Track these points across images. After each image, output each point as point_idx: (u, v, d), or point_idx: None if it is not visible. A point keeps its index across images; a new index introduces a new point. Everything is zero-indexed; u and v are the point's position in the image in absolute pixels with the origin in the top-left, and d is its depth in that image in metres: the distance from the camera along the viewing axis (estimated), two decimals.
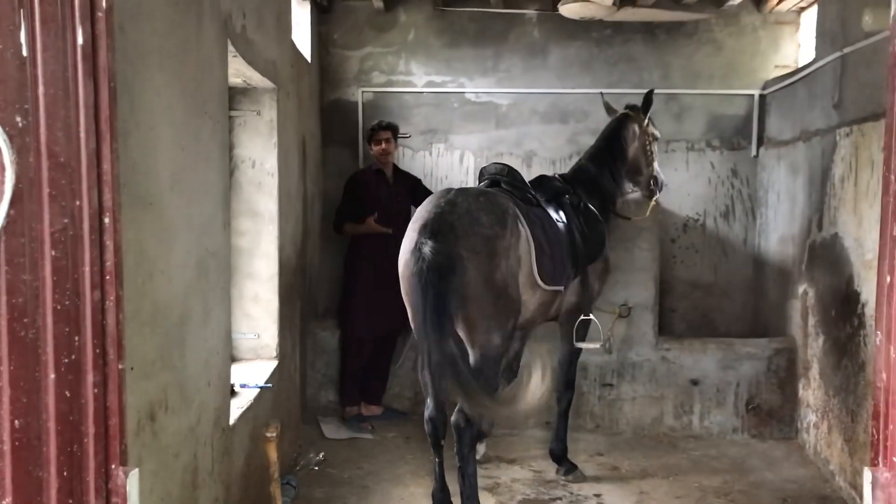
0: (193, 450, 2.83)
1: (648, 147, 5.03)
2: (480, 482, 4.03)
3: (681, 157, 6.35)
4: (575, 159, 6.19)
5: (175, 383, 2.61)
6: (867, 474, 1.36)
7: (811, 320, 5.08)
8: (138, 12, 2.27)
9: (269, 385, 4.11)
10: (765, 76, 6.23)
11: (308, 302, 5.62)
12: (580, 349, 4.74)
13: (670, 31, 6.27)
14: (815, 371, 5.03)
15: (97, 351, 1.37)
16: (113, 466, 1.40)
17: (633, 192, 5.22)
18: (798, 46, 6.23)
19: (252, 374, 4.20)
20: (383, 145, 5.60)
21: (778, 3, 6.07)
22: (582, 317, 4.61)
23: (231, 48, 3.42)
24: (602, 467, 4.96)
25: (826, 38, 4.96)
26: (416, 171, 6.31)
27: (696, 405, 5.57)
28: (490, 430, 4.96)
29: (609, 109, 5.25)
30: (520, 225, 3.95)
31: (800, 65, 5.95)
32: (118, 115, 1.51)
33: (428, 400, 4.07)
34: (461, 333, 3.85)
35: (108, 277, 1.40)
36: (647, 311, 5.58)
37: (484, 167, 4.68)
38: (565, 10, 5.19)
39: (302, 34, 5.60)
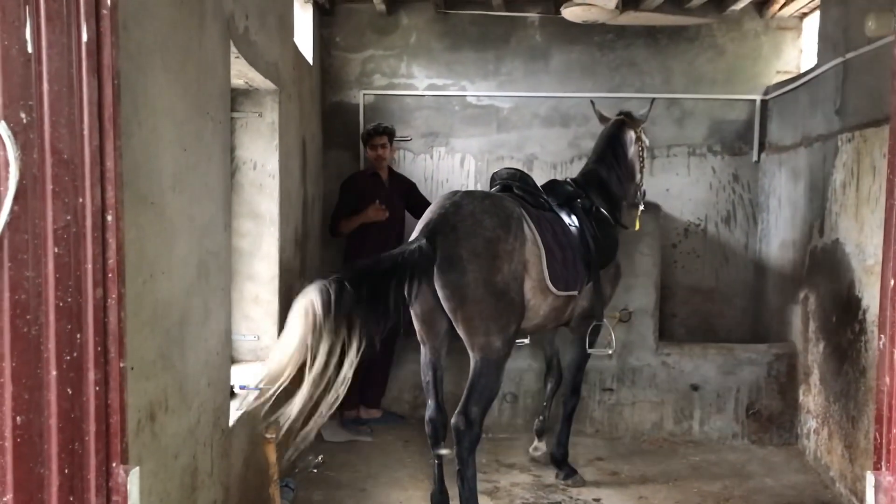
0: (193, 451, 2.82)
1: (641, 154, 5.03)
2: (479, 486, 4.02)
3: (682, 161, 6.35)
4: (576, 163, 6.22)
5: (175, 384, 2.61)
6: (870, 478, 1.36)
7: (812, 326, 5.08)
8: (142, 12, 2.27)
9: (269, 387, 4.09)
10: (766, 81, 6.24)
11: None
12: (589, 355, 4.74)
13: (672, 35, 6.27)
14: (815, 377, 5.03)
15: (98, 349, 1.37)
16: (114, 465, 1.40)
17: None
18: (800, 52, 6.23)
19: (252, 376, 4.19)
20: (379, 151, 5.61)
21: (780, 9, 6.08)
22: (595, 323, 4.59)
23: (233, 49, 3.43)
24: (601, 472, 4.96)
25: (828, 43, 4.97)
26: (416, 174, 6.32)
27: (696, 410, 5.56)
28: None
29: (601, 118, 5.25)
30: (526, 229, 3.95)
31: (802, 70, 5.96)
32: (121, 113, 1.51)
33: (429, 401, 4.08)
34: (461, 334, 3.86)
35: (110, 275, 1.39)
36: (648, 316, 5.57)
37: (496, 172, 4.69)
38: (568, 13, 5.20)
39: (304, 36, 5.60)
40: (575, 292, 4.24)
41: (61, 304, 1.27)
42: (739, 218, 6.39)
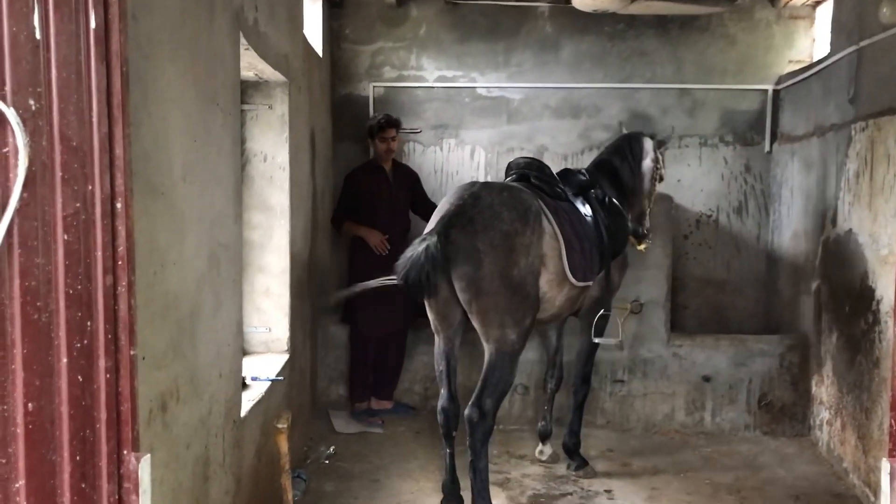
0: (205, 441, 2.83)
1: (654, 174, 4.98)
2: (490, 477, 4.02)
3: (693, 152, 6.32)
4: (587, 154, 6.20)
5: (186, 374, 2.61)
6: (885, 465, 1.35)
7: (825, 317, 5.04)
8: (151, 2, 2.27)
9: (280, 378, 4.11)
10: (779, 71, 6.19)
11: (319, 296, 5.62)
12: (597, 344, 4.73)
13: (683, 25, 6.23)
14: (828, 368, 5.00)
15: (109, 336, 1.37)
16: (125, 452, 1.40)
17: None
18: (812, 41, 6.18)
19: (263, 368, 4.20)
20: (390, 143, 5.58)
21: None
22: (603, 311, 4.59)
23: (243, 41, 3.42)
24: (613, 463, 4.95)
25: (841, 31, 4.92)
26: (426, 166, 6.31)
27: (708, 402, 5.54)
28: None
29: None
30: (544, 223, 3.94)
31: (814, 59, 5.90)
32: (130, 104, 1.51)
33: (442, 390, 4.08)
34: (476, 326, 3.86)
35: (119, 263, 1.39)
36: (659, 308, 5.55)
37: (512, 161, 4.67)
38: (578, 2, 5.17)
39: (314, 28, 5.60)
40: (591, 282, 4.25)
41: (71, 292, 1.27)
42: (751, 209, 6.35)
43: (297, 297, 4.75)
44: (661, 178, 5.09)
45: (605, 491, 4.52)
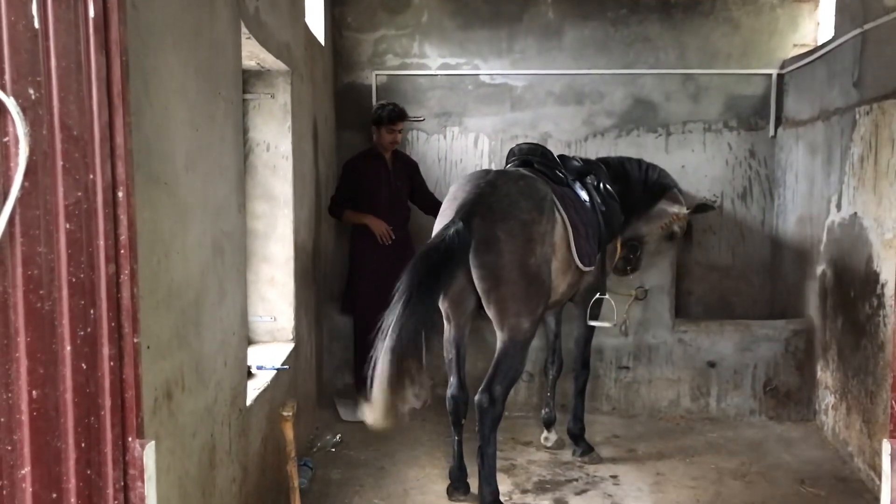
0: (210, 429, 2.85)
1: (667, 224, 4.99)
2: (497, 464, 4.04)
3: (698, 138, 6.29)
4: (591, 141, 6.20)
5: (191, 363, 2.63)
6: (886, 446, 1.35)
7: (830, 301, 5.04)
8: None
9: (285, 367, 4.13)
10: (783, 55, 6.15)
11: (323, 285, 5.63)
12: (594, 328, 4.75)
13: (687, 10, 6.20)
14: (833, 352, 4.99)
15: (112, 325, 1.38)
16: (130, 439, 1.41)
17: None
18: (817, 25, 6.14)
19: (269, 357, 4.22)
20: (397, 136, 5.53)
21: None
22: (598, 296, 4.62)
23: (244, 30, 3.42)
24: (618, 449, 4.96)
25: (846, 14, 4.89)
26: (430, 154, 6.30)
27: (713, 387, 5.55)
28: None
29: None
30: (556, 212, 3.97)
31: (818, 43, 5.87)
32: (132, 93, 1.51)
33: (451, 378, 4.10)
34: (490, 314, 3.87)
35: (122, 251, 1.40)
36: (664, 294, 5.55)
37: (515, 146, 4.68)
38: None
39: (315, 17, 5.58)
40: (592, 267, 4.27)
41: (74, 280, 1.28)
42: (756, 194, 6.33)
43: (301, 287, 4.77)
44: (673, 235, 5.11)
45: (611, 476, 4.53)
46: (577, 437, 4.81)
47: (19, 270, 1.16)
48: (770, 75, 6.16)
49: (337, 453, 4.81)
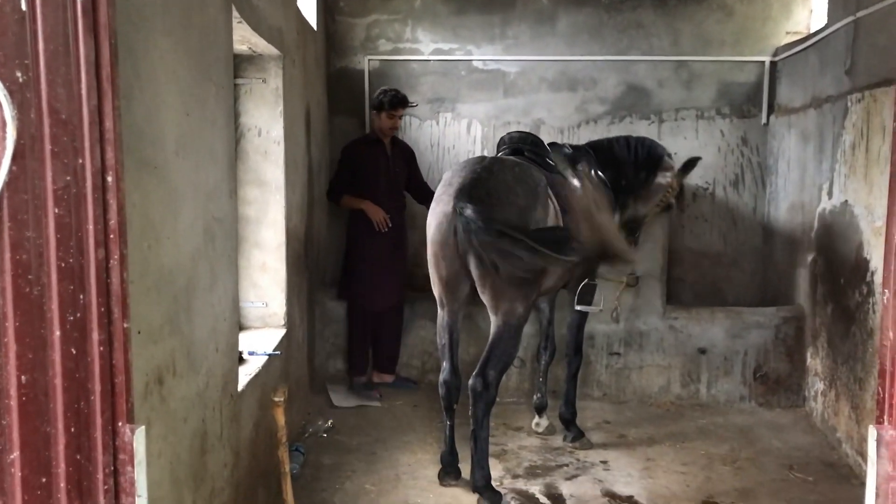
0: (202, 415, 2.85)
1: (664, 197, 4.94)
2: (489, 448, 4.06)
3: (690, 125, 6.30)
4: (584, 128, 6.19)
5: (182, 348, 2.63)
6: (872, 432, 1.36)
7: (820, 288, 5.06)
8: None
9: (277, 353, 4.13)
10: (776, 42, 6.16)
11: (316, 271, 5.63)
12: (587, 314, 4.77)
13: None
14: (823, 339, 5.03)
15: (102, 309, 1.37)
16: (120, 424, 1.41)
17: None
18: (810, 12, 6.14)
19: (260, 342, 4.22)
20: (396, 122, 5.49)
21: None
22: (587, 281, 4.63)
23: (236, 13, 3.39)
24: (609, 435, 4.99)
25: (838, 2, 4.89)
26: (422, 140, 6.29)
27: (704, 374, 5.58)
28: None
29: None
30: (550, 199, 3.98)
31: (811, 30, 5.87)
32: (121, 77, 1.50)
33: (444, 363, 4.12)
34: (485, 299, 3.89)
35: (111, 236, 1.39)
36: (655, 281, 5.57)
37: (505, 135, 4.67)
38: None
39: (307, 1, 5.55)
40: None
41: (63, 265, 1.27)
42: (748, 181, 6.35)
43: (293, 272, 4.76)
44: (670, 206, 5.06)
45: (601, 462, 4.56)
46: (569, 422, 4.83)
47: (8, 255, 1.16)
48: (763, 62, 6.16)
49: (328, 439, 4.82)
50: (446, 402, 4.12)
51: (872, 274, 4.24)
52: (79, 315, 1.32)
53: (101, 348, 1.37)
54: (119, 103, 1.41)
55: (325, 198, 5.82)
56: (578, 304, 4.66)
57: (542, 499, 4.09)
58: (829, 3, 5.10)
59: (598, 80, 6.27)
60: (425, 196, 5.32)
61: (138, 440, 1.43)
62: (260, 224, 4.53)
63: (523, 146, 4.45)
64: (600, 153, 4.80)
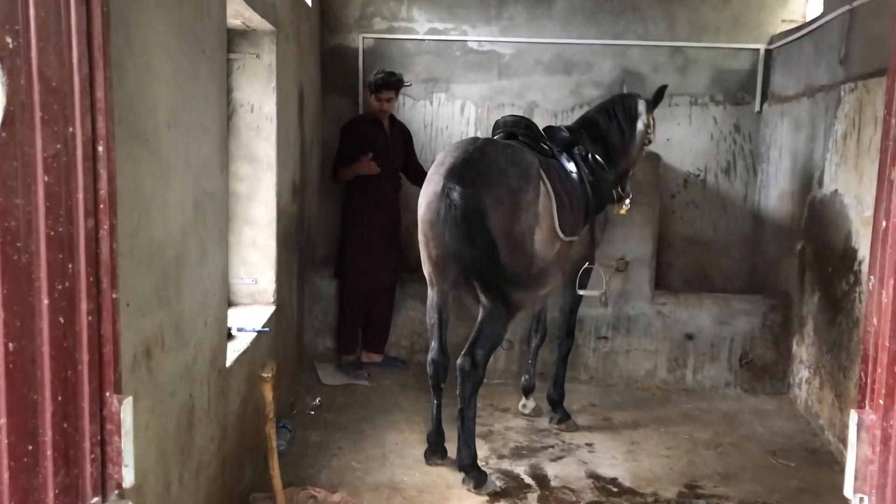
0: (189, 389, 2.85)
1: (644, 139, 4.95)
2: (475, 428, 4.09)
3: (683, 111, 6.30)
4: (578, 112, 6.17)
5: (171, 322, 2.63)
6: (853, 416, 1.38)
7: (808, 277, 5.10)
8: None
9: (266, 329, 4.13)
10: (771, 30, 6.15)
11: (306, 249, 5.62)
12: (581, 297, 4.79)
13: None
14: (809, 327, 5.06)
15: (91, 279, 1.37)
16: (107, 394, 1.41)
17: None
18: (806, 0, 6.13)
19: (249, 319, 4.22)
20: (384, 105, 5.46)
21: None
22: (587, 265, 4.65)
23: None
24: (595, 418, 5.03)
25: None
26: (416, 120, 6.27)
27: (690, 359, 5.62)
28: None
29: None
30: (542, 181, 3.99)
31: (807, 19, 5.86)
32: (113, 47, 1.49)
33: (433, 342, 4.14)
34: (475, 283, 3.90)
35: (101, 206, 1.39)
36: (645, 266, 5.59)
37: (500, 118, 4.66)
38: None
39: None
40: (576, 238, 4.30)
41: (52, 234, 1.27)
42: (739, 169, 6.36)
43: (284, 250, 4.75)
44: (650, 142, 5.07)
45: (587, 444, 4.60)
46: (556, 404, 4.87)
47: None
48: (758, 50, 6.16)
49: (316, 416, 4.84)
50: (434, 380, 4.14)
51: (860, 263, 4.27)
52: (67, 284, 1.32)
53: (90, 318, 1.37)
54: (110, 73, 1.40)
55: (317, 176, 5.80)
56: (580, 288, 4.68)
57: (527, 479, 4.12)
58: None
59: (594, 64, 6.26)
60: (420, 177, 5.32)
61: (125, 410, 1.43)
62: (251, 200, 4.52)
63: (517, 130, 4.45)
64: (590, 130, 4.80)
